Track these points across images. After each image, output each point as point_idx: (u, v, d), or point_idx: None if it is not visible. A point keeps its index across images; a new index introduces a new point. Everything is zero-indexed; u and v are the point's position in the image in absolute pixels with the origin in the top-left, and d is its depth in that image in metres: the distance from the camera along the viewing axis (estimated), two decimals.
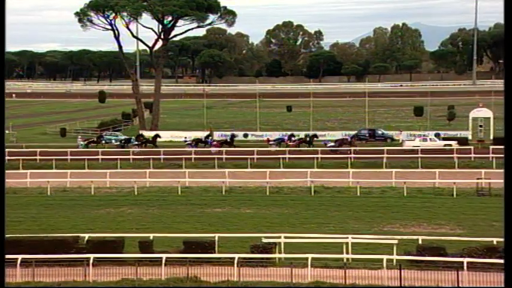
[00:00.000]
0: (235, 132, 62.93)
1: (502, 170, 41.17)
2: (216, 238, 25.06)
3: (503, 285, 17.42)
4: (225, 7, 73.67)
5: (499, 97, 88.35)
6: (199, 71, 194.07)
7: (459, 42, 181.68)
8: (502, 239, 24.05)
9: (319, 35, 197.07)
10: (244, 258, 23.24)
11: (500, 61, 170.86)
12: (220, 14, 73.49)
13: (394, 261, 22.78)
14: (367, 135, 60.87)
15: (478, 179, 37.86)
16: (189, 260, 23.17)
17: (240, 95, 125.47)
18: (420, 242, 24.14)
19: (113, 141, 61.95)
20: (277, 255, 24.09)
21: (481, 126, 60.79)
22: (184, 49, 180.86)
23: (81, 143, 60.10)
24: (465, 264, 21.58)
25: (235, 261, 22.79)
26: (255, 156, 50.97)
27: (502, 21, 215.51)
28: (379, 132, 62.04)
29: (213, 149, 56.22)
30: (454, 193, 36.55)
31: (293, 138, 59.63)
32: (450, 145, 53.88)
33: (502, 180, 36.39)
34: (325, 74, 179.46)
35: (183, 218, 32.66)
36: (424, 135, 58.19)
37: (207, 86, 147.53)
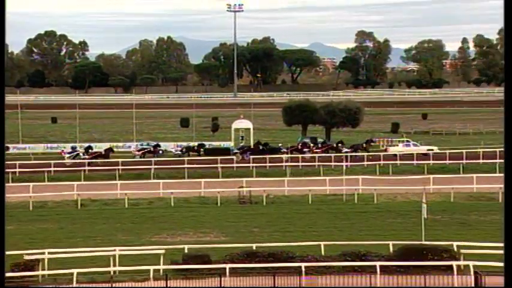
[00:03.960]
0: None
1: (262, 178, 44.00)
2: None
3: (503, 286, 17.74)
4: None
5: (258, 109, 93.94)
6: None
7: (221, 56, 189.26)
8: (260, 244, 25.67)
9: (84, 45, 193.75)
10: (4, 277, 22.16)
11: (258, 75, 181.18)
12: None
13: (161, 271, 23.22)
14: (311, 143, 59.44)
15: (240, 187, 39.72)
16: None
17: None
18: (186, 250, 24.81)
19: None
20: (40, 272, 23.32)
21: (242, 137, 63.87)
22: None
23: (136, 153, 56.45)
24: (227, 270, 22.65)
25: None
26: (17, 169, 48.72)
27: (259, 37, 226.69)
28: (321, 140, 61.19)
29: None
30: (218, 202, 38.03)
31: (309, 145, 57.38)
32: (432, 150, 56.27)
33: (261, 188, 39.03)
34: (91, 85, 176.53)
35: None
36: (407, 141, 59.50)
37: None
